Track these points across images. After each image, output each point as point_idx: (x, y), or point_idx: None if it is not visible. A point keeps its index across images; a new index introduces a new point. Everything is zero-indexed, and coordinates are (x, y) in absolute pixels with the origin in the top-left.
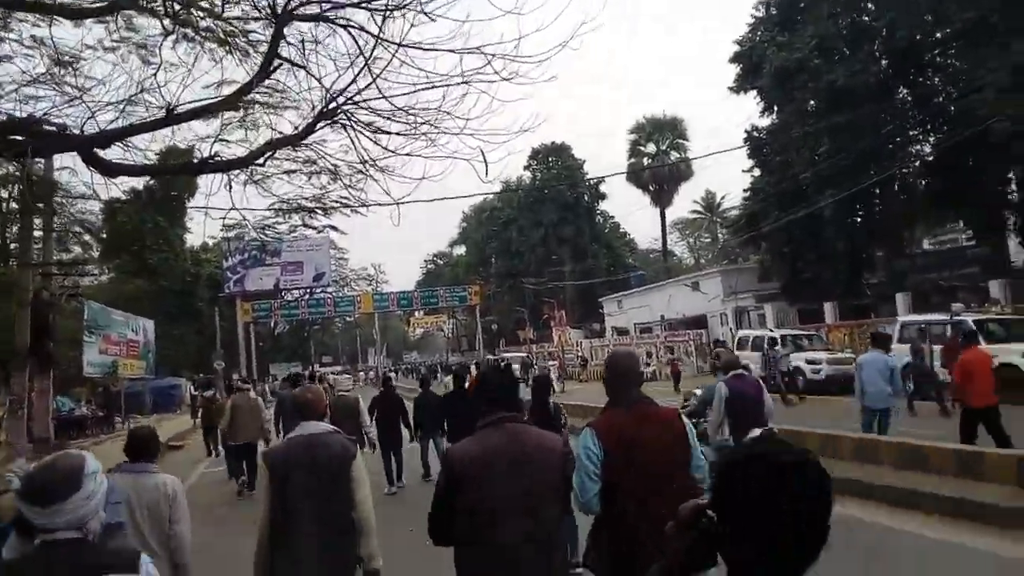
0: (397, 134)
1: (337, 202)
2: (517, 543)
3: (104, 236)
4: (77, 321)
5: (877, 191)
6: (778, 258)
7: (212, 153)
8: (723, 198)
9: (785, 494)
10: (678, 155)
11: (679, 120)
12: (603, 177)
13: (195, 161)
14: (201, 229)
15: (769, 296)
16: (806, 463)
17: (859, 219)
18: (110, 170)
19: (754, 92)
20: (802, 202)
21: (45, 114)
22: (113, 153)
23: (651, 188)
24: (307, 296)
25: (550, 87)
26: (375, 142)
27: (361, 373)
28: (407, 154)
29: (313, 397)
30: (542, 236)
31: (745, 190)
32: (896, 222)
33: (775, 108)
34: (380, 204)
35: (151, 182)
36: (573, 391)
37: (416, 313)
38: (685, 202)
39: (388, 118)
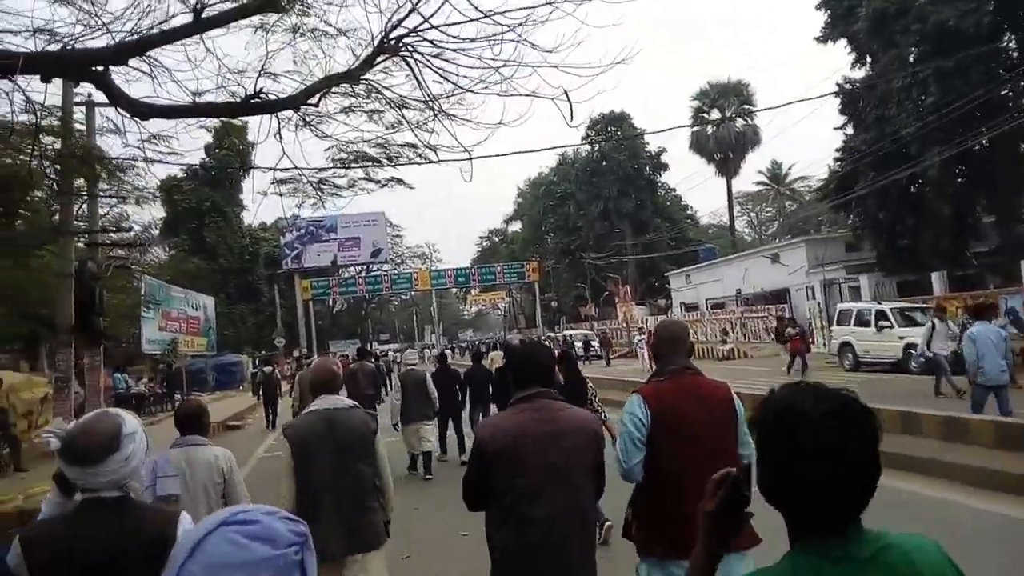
0: (468, 67)
1: (405, 146)
2: (554, 517)
3: (163, 214)
4: (133, 297)
5: (985, 149)
6: (872, 225)
7: (257, 89)
8: (790, 168)
9: (813, 440)
10: (744, 121)
11: (745, 84)
12: (665, 130)
13: (239, 100)
14: (254, 201)
15: (862, 267)
16: (840, 411)
17: (961, 180)
18: (136, 109)
19: (844, 41)
20: (903, 162)
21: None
22: (143, 89)
23: (716, 157)
24: (364, 273)
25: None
26: (444, 77)
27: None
28: (481, 91)
29: (330, 372)
30: (601, 210)
31: (837, 150)
32: (1008, 183)
33: (868, 58)
34: (450, 152)
35: (206, 160)
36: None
37: (472, 290)
38: (750, 173)
39: (457, 50)
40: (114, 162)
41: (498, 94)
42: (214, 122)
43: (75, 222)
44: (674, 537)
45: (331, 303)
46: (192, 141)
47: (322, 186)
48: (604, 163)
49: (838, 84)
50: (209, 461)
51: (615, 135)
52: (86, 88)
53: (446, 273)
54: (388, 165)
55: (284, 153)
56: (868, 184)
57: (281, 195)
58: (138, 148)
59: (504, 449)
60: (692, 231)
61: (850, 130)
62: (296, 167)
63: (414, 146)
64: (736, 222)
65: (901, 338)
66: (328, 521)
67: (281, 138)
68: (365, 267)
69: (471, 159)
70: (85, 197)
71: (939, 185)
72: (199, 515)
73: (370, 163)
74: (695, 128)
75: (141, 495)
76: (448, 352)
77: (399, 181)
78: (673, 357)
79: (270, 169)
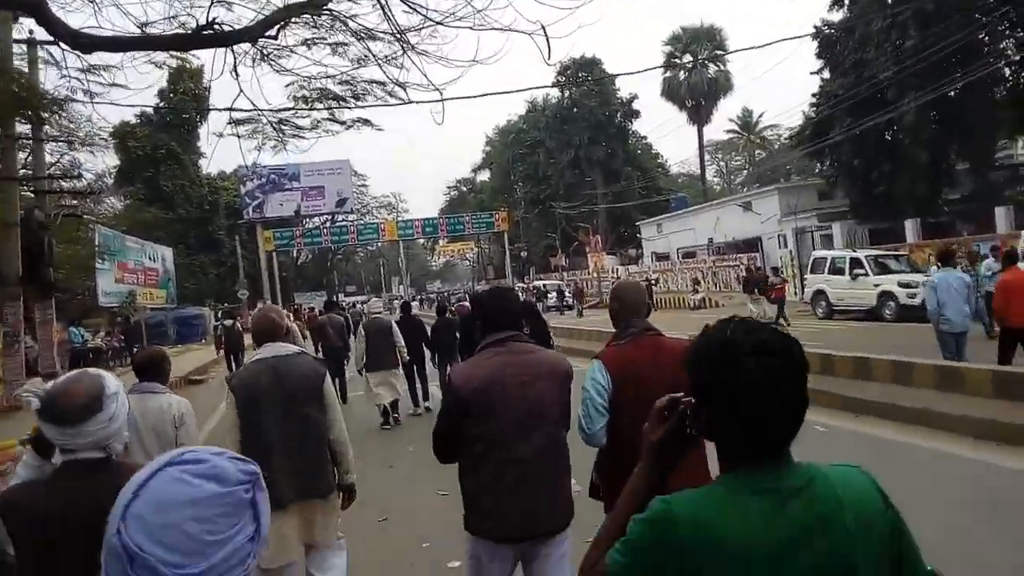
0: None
1: (372, 83)
2: (532, 458)
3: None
4: (87, 248)
5: (959, 94)
6: (847, 172)
7: (210, 19)
8: (761, 116)
9: (749, 374)
10: (717, 67)
11: (718, 29)
12: (640, 71)
13: (190, 32)
14: (210, 144)
15: (834, 215)
16: (773, 344)
17: (936, 126)
18: (77, 41)
19: None
20: (880, 107)
21: None
22: (81, 21)
23: (688, 104)
24: (329, 223)
25: None
26: (413, 8)
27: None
28: (453, 24)
29: (275, 318)
30: (571, 158)
31: (813, 95)
32: (982, 129)
33: (846, 0)
34: (420, 91)
35: (161, 105)
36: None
37: (440, 241)
38: (722, 121)
39: None
40: (57, 101)
41: (471, 27)
42: (165, 60)
43: (21, 169)
44: None
45: (295, 254)
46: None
47: (283, 127)
48: (575, 110)
49: (815, 26)
50: (162, 408)
51: (587, 80)
52: (27, 24)
53: (414, 223)
54: (354, 105)
55: (241, 91)
56: (844, 130)
57: (239, 136)
58: (78, 80)
59: (478, 393)
60: (663, 180)
61: (827, 75)
62: (255, 107)
63: (382, 83)
64: (706, 171)
65: (876, 285)
66: (277, 469)
67: (238, 75)
68: (330, 217)
69: (443, 100)
70: (30, 141)
71: (915, 131)
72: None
73: (334, 102)
74: (667, 75)
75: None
76: (415, 303)
77: (366, 122)
78: (632, 319)
79: (226, 109)
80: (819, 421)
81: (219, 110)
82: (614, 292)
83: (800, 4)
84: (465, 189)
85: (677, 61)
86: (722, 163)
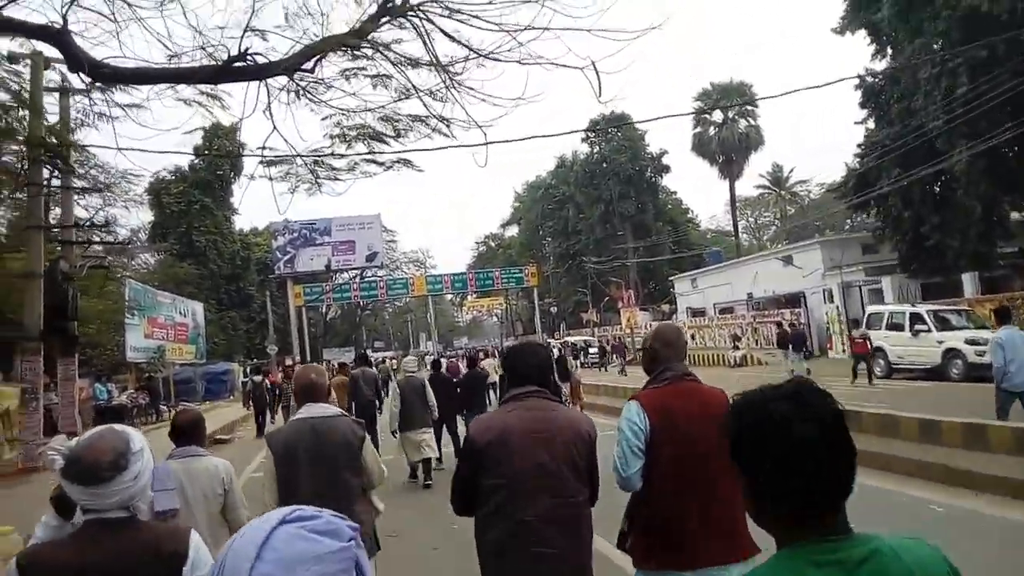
0: (486, 28)
1: (414, 119)
2: (539, 521)
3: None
4: (117, 302)
5: (1013, 142)
6: (894, 224)
7: (243, 50)
8: (791, 171)
9: (784, 441)
10: (748, 123)
11: (748, 85)
12: (667, 117)
13: (220, 63)
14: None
15: (882, 269)
16: (807, 404)
17: (988, 177)
18: (99, 72)
19: (863, 32)
20: (929, 157)
21: None
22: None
23: (718, 159)
24: (359, 278)
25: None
26: (456, 41)
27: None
28: (496, 58)
29: (317, 378)
30: (601, 212)
31: (858, 145)
32: None
33: (889, 49)
34: (463, 129)
35: (196, 161)
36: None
37: (468, 296)
38: (753, 177)
39: (472, 15)
40: (83, 147)
41: (519, 61)
42: (195, 97)
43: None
44: (672, 547)
45: (324, 310)
46: (176, 137)
47: (318, 168)
48: (604, 164)
49: (859, 75)
50: (209, 472)
51: (625, 122)
52: (59, 72)
53: (442, 279)
54: (393, 139)
55: (275, 128)
56: (892, 180)
57: (271, 179)
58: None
59: (492, 445)
60: (693, 235)
61: (871, 124)
62: (290, 147)
63: (424, 119)
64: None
65: (940, 342)
66: None
67: (271, 114)
68: (360, 272)
69: (487, 144)
70: (57, 189)
71: (969, 181)
72: (200, 527)
73: (374, 141)
74: (697, 130)
75: (146, 515)
76: (443, 360)
77: (407, 163)
78: (670, 362)
79: (259, 150)
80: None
81: (250, 155)
82: (655, 333)
83: (834, 60)
84: (493, 245)
85: (707, 117)
86: (751, 219)
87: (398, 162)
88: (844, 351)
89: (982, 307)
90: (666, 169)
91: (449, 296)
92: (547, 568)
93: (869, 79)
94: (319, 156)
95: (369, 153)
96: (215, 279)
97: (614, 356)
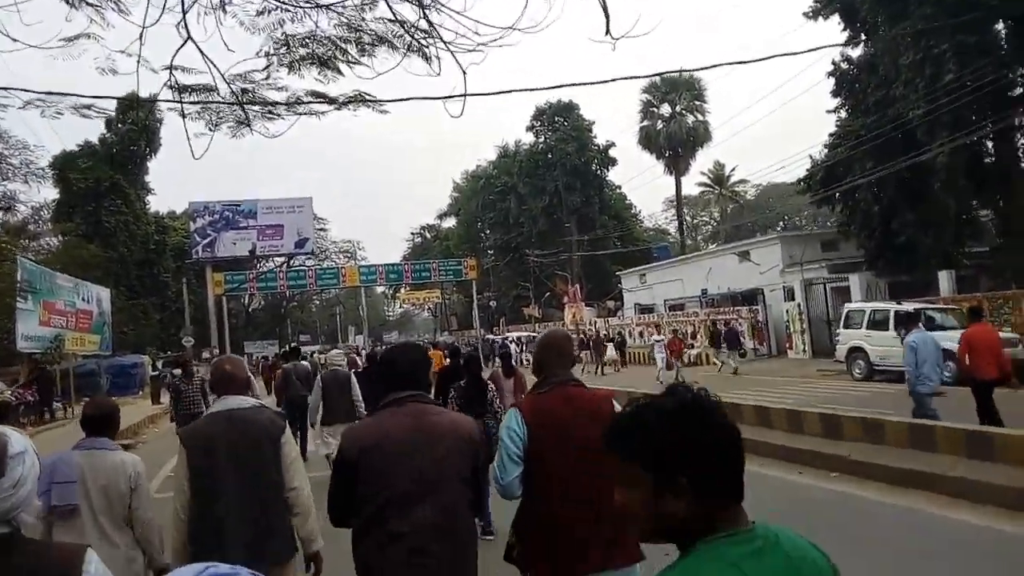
0: None
1: (390, 22)
2: (420, 531)
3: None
4: (7, 282)
5: (992, 138)
6: (862, 219)
7: None
8: (733, 170)
9: (721, 431)
10: (695, 118)
11: (696, 79)
12: (609, 79)
13: None
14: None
15: (845, 266)
16: (699, 401)
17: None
18: None
19: (837, 18)
20: (907, 149)
21: None
22: None
23: (665, 153)
24: (286, 267)
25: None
26: None
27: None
28: None
29: (232, 368)
30: (545, 205)
31: (831, 135)
32: (1006, 177)
33: (864, 36)
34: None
35: (107, 135)
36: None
37: (403, 289)
38: (700, 174)
39: None
40: None
41: None
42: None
43: None
44: (558, 555)
45: (247, 299)
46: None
47: (247, 96)
48: (550, 155)
49: (833, 62)
50: (116, 467)
51: (563, 120)
52: None
53: (377, 269)
54: (353, 62)
55: (189, 37)
56: (866, 173)
57: (183, 114)
58: None
59: (367, 455)
60: (637, 231)
61: (843, 114)
62: (209, 66)
63: (402, 23)
64: (670, 225)
65: None
66: (232, 531)
67: (186, 25)
68: (287, 260)
69: (464, 96)
70: None
71: (948, 176)
72: (101, 528)
73: (324, 64)
74: (644, 123)
75: (33, 530)
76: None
77: (364, 101)
78: (556, 369)
79: (164, 70)
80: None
81: (162, 100)
82: (542, 340)
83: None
84: (429, 236)
85: (655, 111)
86: (687, 217)
87: (355, 97)
88: (804, 350)
89: (961, 307)
90: (612, 162)
91: (381, 289)
92: None
93: (844, 67)
94: (250, 80)
95: (320, 78)
96: (126, 264)
97: (587, 354)
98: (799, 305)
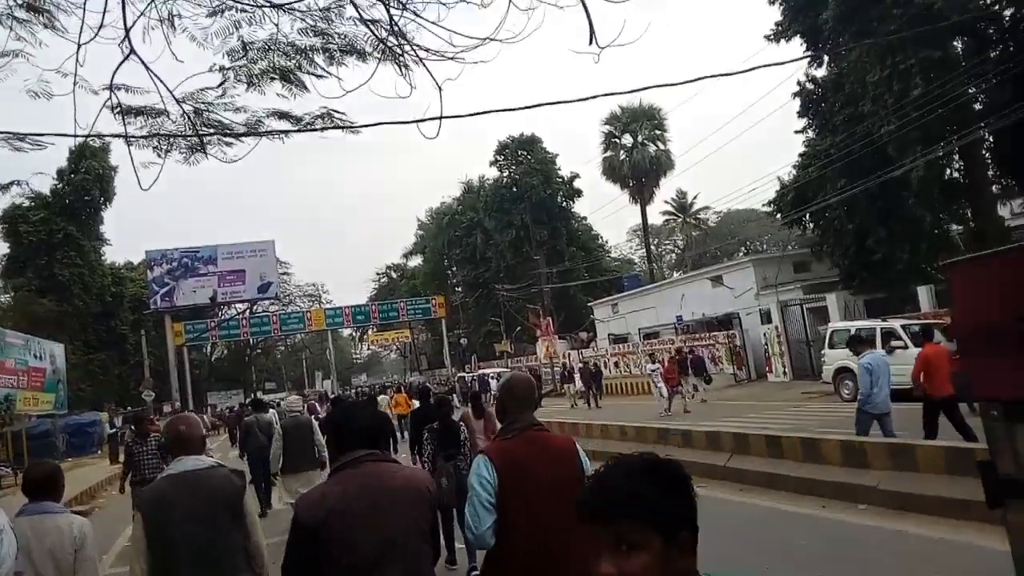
0: None
1: (360, 22)
2: None
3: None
4: None
5: (955, 153)
6: (835, 238)
7: None
8: (696, 197)
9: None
10: (656, 147)
11: (657, 109)
12: (590, 96)
13: None
14: (121, 242)
15: (819, 286)
16: (659, 465)
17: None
18: None
19: (798, 40)
20: (880, 166)
21: None
22: None
23: (630, 183)
24: (248, 313)
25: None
26: None
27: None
28: None
29: (187, 428)
30: (512, 239)
31: (800, 155)
32: (988, 190)
33: (827, 57)
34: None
35: (59, 186)
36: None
37: (370, 330)
38: (663, 204)
39: None
40: None
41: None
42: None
43: None
44: None
45: (209, 349)
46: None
47: (201, 118)
48: (515, 189)
49: (799, 82)
50: (61, 529)
51: (526, 155)
52: None
53: (343, 311)
54: (320, 72)
55: (132, 51)
56: (838, 191)
57: (127, 140)
58: None
59: (328, 522)
60: (604, 261)
61: (811, 134)
62: (156, 84)
63: (372, 23)
64: (635, 255)
65: None
66: None
67: (129, 41)
68: (249, 306)
69: (440, 118)
70: None
71: (922, 190)
72: None
73: (284, 78)
74: (607, 154)
75: None
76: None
77: (334, 122)
78: (519, 414)
79: (104, 90)
80: None
81: (110, 135)
82: (504, 385)
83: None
84: (396, 276)
85: (616, 141)
86: (652, 247)
87: (324, 114)
88: (785, 373)
89: (943, 321)
90: (578, 193)
91: (348, 331)
92: None
93: (809, 87)
94: (204, 96)
95: (286, 91)
96: (81, 317)
97: (572, 385)
98: (776, 327)
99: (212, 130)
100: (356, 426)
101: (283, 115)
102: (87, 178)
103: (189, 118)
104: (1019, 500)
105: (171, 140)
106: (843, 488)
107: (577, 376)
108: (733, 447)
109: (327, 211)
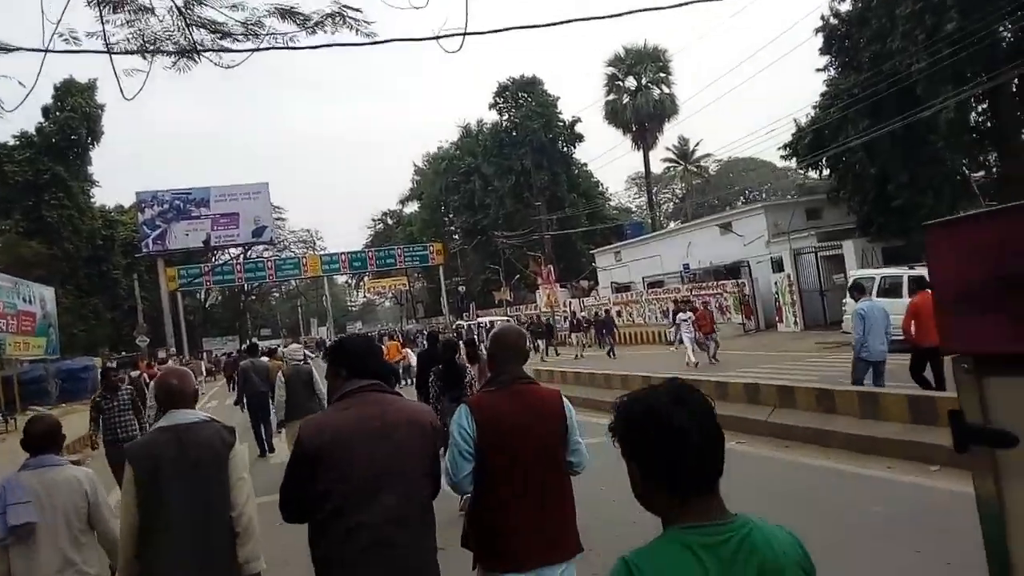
0: None
1: None
2: (383, 523)
3: None
4: None
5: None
6: (854, 183)
7: None
8: (698, 144)
9: (668, 432)
10: (660, 90)
11: (662, 50)
12: (619, 14)
13: None
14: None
15: (836, 233)
16: (684, 401)
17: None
18: None
19: None
20: (906, 107)
21: None
22: None
23: (632, 127)
24: (243, 258)
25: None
26: None
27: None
28: None
29: (180, 382)
30: (512, 185)
31: (822, 95)
32: (1004, 135)
33: None
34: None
35: (45, 124)
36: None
37: (366, 277)
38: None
39: None
40: None
41: None
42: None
43: None
44: (504, 549)
45: (203, 295)
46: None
47: (190, 15)
48: (514, 133)
49: (822, 17)
50: (70, 482)
51: (527, 97)
52: None
53: (339, 257)
54: None
55: None
56: (861, 134)
57: (108, 49)
58: None
59: (328, 447)
60: (604, 209)
61: (832, 73)
62: None
63: None
64: (634, 203)
65: None
66: (180, 553)
67: None
68: (244, 251)
69: (464, 35)
70: None
71: (953, 134)
72: (60, 544)
73: None
74: (610, 97)
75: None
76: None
77: (343, 19)
78: (508, 366)
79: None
80: None
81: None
82: (495, 336)
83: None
84: (392, 222)
85: (620, 84)
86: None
87: (338, 10)
88: (796, 323)
89: None
90: (579, 138)
91: (343, 278)
92: (390, 567)
93: (832, 23)
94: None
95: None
96: (72, 261)
97: (580, 335)
98: (789, 276)
99: (205, 31)
100: (360, 357)
101: (287, 12)
102: (73, 116)
103: (180, 12)
104: (982, 446)
105: (156, 46)
106: (911, 447)
107: (592, 327)
108: (777, 401)
109: (320, 159)
